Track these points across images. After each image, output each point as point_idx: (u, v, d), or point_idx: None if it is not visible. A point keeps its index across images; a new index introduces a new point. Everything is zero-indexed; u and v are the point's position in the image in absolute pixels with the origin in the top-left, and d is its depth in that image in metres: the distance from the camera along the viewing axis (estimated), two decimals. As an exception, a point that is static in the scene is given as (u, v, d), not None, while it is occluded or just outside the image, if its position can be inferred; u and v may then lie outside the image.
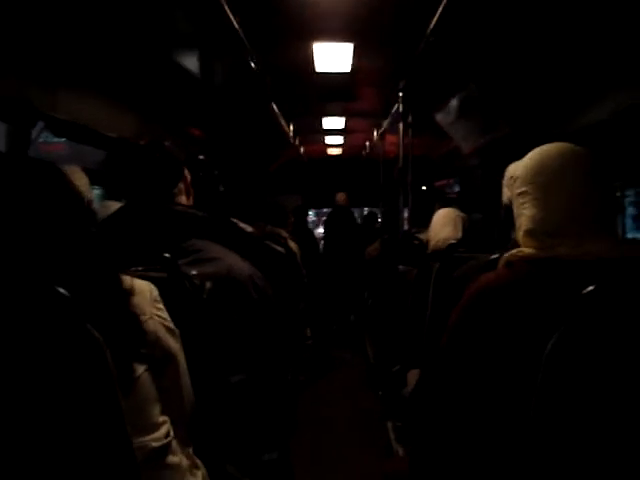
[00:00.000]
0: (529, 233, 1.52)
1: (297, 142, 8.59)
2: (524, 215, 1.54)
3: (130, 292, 1.47)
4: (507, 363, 1.41)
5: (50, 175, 1.45)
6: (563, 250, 1.45)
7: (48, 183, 1.43)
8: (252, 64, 4.02)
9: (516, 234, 1.60)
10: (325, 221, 9.67)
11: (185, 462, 1.61)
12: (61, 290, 1.22)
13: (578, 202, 1.47)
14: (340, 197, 8.91)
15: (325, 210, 11.47)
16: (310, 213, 11.78)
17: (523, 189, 1.55)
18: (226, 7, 3.01)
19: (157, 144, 2.12)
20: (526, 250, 1.51)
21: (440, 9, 2.97)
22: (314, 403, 5.67)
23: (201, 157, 2.59)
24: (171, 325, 1.58)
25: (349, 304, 8.82)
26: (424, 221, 4.73)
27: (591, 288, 1.27)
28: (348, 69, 4.64)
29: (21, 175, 1.43)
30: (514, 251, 1.53)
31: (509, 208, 2.37)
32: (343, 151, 10.35)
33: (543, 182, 1.50)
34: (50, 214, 1.39)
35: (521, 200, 1.56)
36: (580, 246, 1.45)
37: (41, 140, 3.67)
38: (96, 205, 3.38)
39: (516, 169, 2.29)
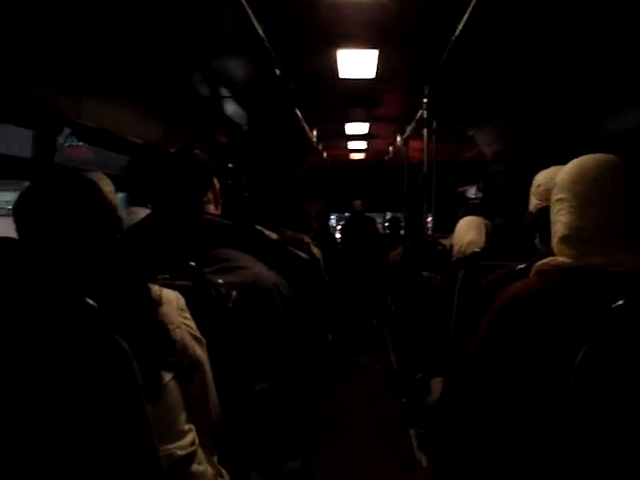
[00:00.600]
0: (564, 240, 1.52)
1: (320, 147, 8.60)
2: (560, 222, 1.54)
3: (158, 301, 1.47)
4: (537, 373, 1.40)
5: (80, 185, 1.47)
6: (596, 259, 1.45)
7: (78, 193, 1.44)
8: (277, 71, 4.03)
9: (551, 240, 1.59)
10: (342, 226, 9.82)
11: (210, 471, 1.61)
12: (89, 301, 1.23)
13: (614, 212, 1.47)
14: (357, 203, 9.18)
15: (346, 214, 11.51)
16: (332, 217, 11.79)
17: (560, 196, 1.55)
18: (251, 15, 3.01)
19: (187, 152, 2.11)
20: (559, 259, 1.51)
21: (466, 16, 2.95)
22: (336, 409, 5.65)
23: (230, 165, 2.60)
24: (197, 334, 1.59)
25: (371, 309, 8.83)
26: (447, 226, 4.72)
27: (622, 301, 1.26)
28: (372, 75, 4.63)
29: (52, 185, 1.45)
30: (546, 260, 1.53)
31: (534, 216, 2.36)
32: (366, 156, 10.35)
33: (581, 190, 1.51)
34: (81, 224, 1.40)
35: (558, 207, 1.56)
36: (614, 256, 1.44)
37: (66, 144, 3.70)
38: (121, 211, 3.41)
39: (544, 178, 2.30)
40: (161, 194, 2.08)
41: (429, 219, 5.00)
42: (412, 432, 4.24)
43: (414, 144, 6.63)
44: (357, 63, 4.31)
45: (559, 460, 1.30)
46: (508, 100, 4.99)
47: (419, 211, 5.42)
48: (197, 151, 2.14)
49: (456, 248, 3.66)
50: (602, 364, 1.26)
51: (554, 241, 1.57)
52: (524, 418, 1.41)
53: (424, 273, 4.22)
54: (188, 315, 1.58)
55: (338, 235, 9.98)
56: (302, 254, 4.31)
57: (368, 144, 8.92)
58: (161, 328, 1.44)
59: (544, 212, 1.96)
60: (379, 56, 4.17)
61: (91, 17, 2.96)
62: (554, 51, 3.62)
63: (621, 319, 1.26)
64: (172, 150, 2.12)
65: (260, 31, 3.27)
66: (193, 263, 1.83)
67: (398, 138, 7.50)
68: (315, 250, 5.25)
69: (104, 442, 1.24)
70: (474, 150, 7.28)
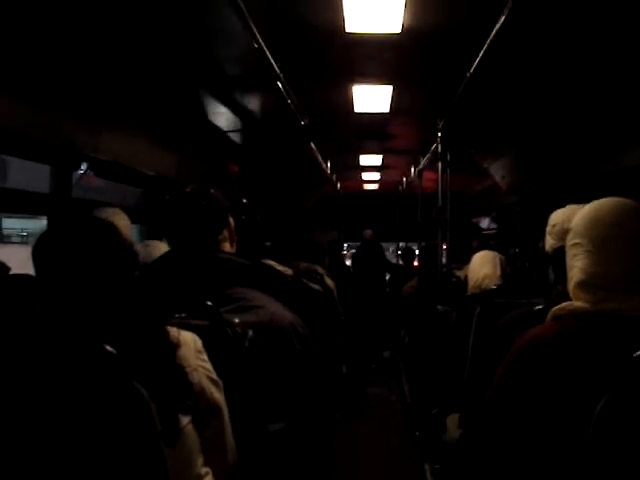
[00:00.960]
0: (580, 285, 1.51)
1: (334, 178, 8.64)
2: (576, 267, 1.53)
3: (176, 344, 1.48)
4: (555, 422, 1.39)
5: (98, 227, 1.48)
6: (614, 305, 1.44)
7: (96, 235, 1.45)
8: (292, 105, 4.06)
9: (566, 285, 1.58)
10: (353, 255, 10.04)
11: (226, 514, 1.60)
12: (108, 348, 1.23)
13: (631, 257, 1.46)
14: (367, 233, 9.46)
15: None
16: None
17: (576, 241, 1.54)
18: (267, 52, 3.05)
19: (203, 191, 2.12)
20: (576, 304, 1.49)
21: (481, 53, 2.97)
22: (350, 441, 5.61)
23: (244, 201, 2.60)
24: (215, 376, 1.58)
25: (382, 340, 8.84)
26: (461, 257, 4.71)
27: (643, 351, 1.25)
28: (387, 110, 4.67)
29: (69, 227, 1.46)
30: (563, 304, 1.52)
31: (550, 256, 2.35)
32: (379, 187, 10.39)
33: (597, 235, 1.49)
34: (99, 266, 1.41)
35: (574, 252, 1.54)
36: (631, 300, 1.43)
37: (80, 172, 3.74)
38: (136, 244, 3.43)
39: (561, 217, 2.29)
40: (177, 233, 2.08)
41: (444, 247, 5.00)
42: (427, 467, 4.20)
43: (428, 175, 6.65)
44: (372, 98, 4.35)
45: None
46: (522, 133, 5.00)
47: (434, 243, 5.41)
48: (212, 190, 2.14)
49: (471, 283, 3.65)
50: (623, 414, 1.24)
51: (570, 285, 1.56)
52: (544, 466, 1.40)
53: (439, 307, 4.22)
54: (205, 357, 1.57)
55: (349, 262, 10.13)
56: (316, 286, 4.30)
57: (381, 175, 8.96)
58: (179, 372, 1.44)
59: (560, 252, 1.95)
60: (393, 91, 4.21)
61: (108, 53, 3.01)
62: (569, 85, 3.64)
63: (642, 369, 1.25)
64: (187, 189, 2.12)
65: (276, 67, 3.31)
66: (210, 302, 1.83)
67: (412, 169, 7.52)
68: (329, 281, 5.23)
69: (122, 488, 1.24)
70: (488, 181, 7.30)
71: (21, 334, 1.32)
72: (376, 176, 9.10)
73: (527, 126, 4.75)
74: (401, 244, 10.71)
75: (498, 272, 3.60)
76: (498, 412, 1.49)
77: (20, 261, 2.51)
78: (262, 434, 1.95)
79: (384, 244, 9.97)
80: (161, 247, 3.03)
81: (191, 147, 4.86)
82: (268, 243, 3.26)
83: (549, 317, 1.54)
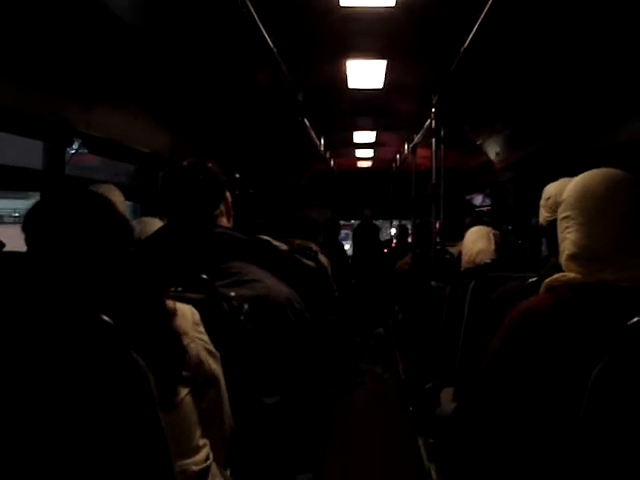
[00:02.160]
0: (572, 257, 1.51)
1: (328, 155, 8.62)
2: (568, 239, 1.53)
3: (173, 315, 1.48)
4: (550, 391, 1.40)
5: (91, 198, 1.47)
6: (606, 276, 1.45)
7: (90, 206, 1.44)
8: (286, 81, 4.04)
9: (559, 257, 1.59)
10: (353, 232, 10.28)
11: (224, 485, 1.61)
12: (105, 318, 1.23)
13: (622, 228, 1.46)
14: (366, 211, 9.82)
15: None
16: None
17: (567, 213, 1.54)
18: (261, 26, 3.03)
19: (200, 165, 2.11)
20: (569, 275, 1.50)
21: (475, 27, 2.96)
22: (344, 417, 5.64)
23: (237, 175, 2.60)
24: (212, 348, 1.59)
25: (377, 317, 8.93)
26: (455, 234, 4.72)
27: (637, 319, 1.26)
28: (381, 85, 4.65)
29: (62, 199, 1.45)
30: (556, 276, 1.52)
31: (544, 228, 2.36)
32: (373, 164, 10.37)
33: (588, 207, 1.50)
34: (93, 238, 1.40)
35: (565, 224, 1.55)
36: (624, 272, 1.44)
37: (72, 152, 3.72)
38: (131, 221, 3.42)
39: (554, 190, 2.30)
40: (173, 207, 2.08)
41: (436, 225, 5.00)
42: (421, 442, 4.23)
43: (422, 152, 6.64)
44: (366, 73, 4.33)
45: (575, 474, 1.30)
46: (517, 109, 4.99)
47: (427, 220, 5.42)
48: (210, 164, 2.14)
49: (465, 258, 3.66)
50: (617, 382, 1.26)
51: (562, 258, 1.56)
52: (538, 435, 1.41)
53: (433, 283, 4.23)
54: (202, 330, 1.58)
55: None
56: (310, 263, 4.31)
57: (375, 152, 8.94)
58: (176, 341, 1.45)
59: (554, 224, 1.96)
60: (387, 66, 4.19)
61: (100, 29, 2.98)
62: (563, 60, 3.63)
63: (636, 337, 1.26)
64: (185, 163, 2.11)
65: (270, 42, 3.29)
66: (205, 276, 1.84)
67: (405, 146, 7.50)
68: (322, 258, 5.24)
69: (121, 459, 1.25)
70: (482, 158, 7.29)
71: (16, 308, 1.32)
72: (370, 153, 9.08)
73: (521, 102, 4.74)
74: (394, 222, 10.74)
75: (492, 247, 3.61)
76: (492, 383, 1.51)
77: (13, 241, 2.51)
78: (258, 407, 1.97)
79: (378, 222, 10.07)
80: (156, 224, 3.02)
81: (184, 124, 4.84)
82: (261, 220, 3.26)
83: (542, 288, 1.55)
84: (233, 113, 5.40)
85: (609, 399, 1.27)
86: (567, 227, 1.54)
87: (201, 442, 1.53)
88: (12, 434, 1.23)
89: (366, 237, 9.65)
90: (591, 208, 1.50)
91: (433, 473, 3.56)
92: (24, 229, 1.42)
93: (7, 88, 2.74)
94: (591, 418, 1.27)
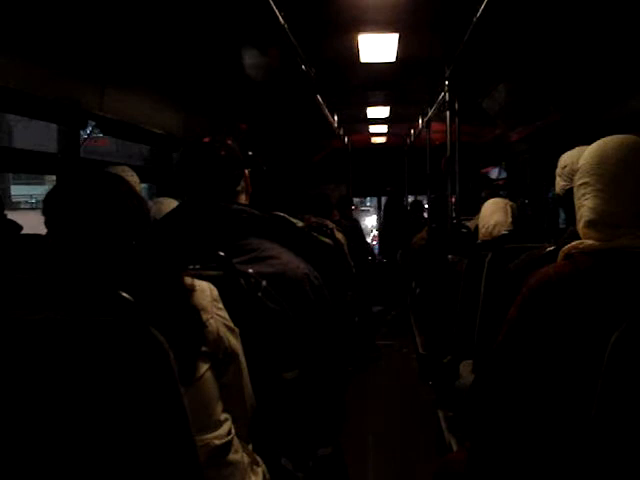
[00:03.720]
0: (590, 224, 1.51)
1: (341, 132, 8.59)
2: (585, 206, 1.52)
3: (191, 291, 1.49)
4: (569, 358, 1.40)
5: (109, 179, 1.48)
6: (625, 241, 1.44)
7: (108, 187, 1.45)
8: (298, 57, 4.02)
9: (576, 225, 1.58)
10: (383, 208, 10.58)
11: (246, 459, 1.63)
12: (124, 294, 1.24)
13: (639, 194, 1.45)
14: (389, 189, 10.08)
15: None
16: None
17: (584, 180, 1.53)
18: (272, 2, 3.01)
19: (221, 142, 2.10)
20: (587, 242, 1.50)
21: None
22: (363, 393, 5.67)
23: (250, 153, 2.58)
24: (231, 324, 1.60)
25: (392, 296, 9.01)
26: (471, 209, 4.70)
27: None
28: (393, 59, 4.61)
29: (80, 181, 1.46)
30: (574, 243, 1.52)
31: (560, 198, 2.35)
32: (387, 140, 10.32)
33: (605, 173, 1.49)
34: (111, 218, 1.42)
35: (582, 191, 1.54)
36: None
37: (85, 136, 3.74)
38: (149, 203, 3.44)
39: (570, 158, 2.28)
40: (194, 184, 2.07)
41: (452, 200, 4.98)
42: (441, 415, 4.24)
43: (436, 126, 6.59)
44: (378, 47, 4.29)
45: (593, 445, 1.30)
46: (531, 79, 4.94)
47: (443, 194, 5.40)
48: (230, 141, 2.12)
49: (482, 230, 3.65)
50: (636, 348, 1.25)
51: (579, 225, 1.56)
52: (557, 405, 1.41)
53: (449, 256, 4.22)
54: (221, 306, 1.59)
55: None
56: (326, 240, 4.31)
57: (389, 127, 8.89)
58: (195, 317, 1.46)
59: (570, 193, 1.95)
60: (400, 39, 4.15)
61: (112, 12, 2.97)
62: (577, 29, 3.58)
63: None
64: (205, 140, 2.09)
65: (280, 18, 3.26)
66: (222, 253, 1.84)
67: (420, 121, 7.46)
68: (339, 235, 5.25)
69: (142, 433, 1.26)
70: (497, 131, 7.23)
71: (36, 289, 1.33)
72: (384, 129, 9.04)
73: (535, 72, 4.69)
74: (410, 198, 10.72)
75: (509, 219, 3.59)
76: (511, 351, 1.51)
77: (30, 227, 2.53)
78: (277, 382, 1.98)
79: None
80: (171, 204, 3.04)
81: (197, 103, 4.84)
82: (276, 197, 3.26)
83: (560, 256, 1.54)
84: (245, 91, 5.39)
85: (628, 365, 1.26)
86: (584, 194, 1.54)
87: (223, 417, 1.54)
88: (35, 410, 1.25)
89: (394, 213, 9.73)
90: (608, 174, 1.49)
91: (453, 446, 3.57)
92: (44, 211, 1.44)
93: (20, 72, 2.75)
94: (610, 385, 1.27)
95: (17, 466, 1.26)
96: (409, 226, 9.13)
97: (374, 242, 13.07)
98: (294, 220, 2.98)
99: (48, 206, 1.44)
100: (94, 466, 1.24)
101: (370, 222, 20.54)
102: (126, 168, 3.11)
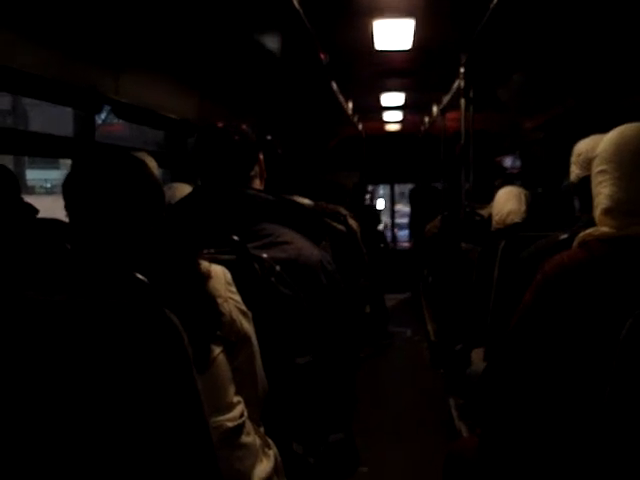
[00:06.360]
0: (607, 212, 1.51)
1: (356, 119, 8.57)
2: (602, 194, 1.52)
3: (207, 275, 1.50)
4: (583, 344, 1.40)
5: (128, 161, 1.49)
6: None
7: (127, 169, 1.46)
8: (312, 43, 4.01)
9: (593, 212, 1.58)
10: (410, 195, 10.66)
11: (258, 442, 1.64)
12: (139, 276, 1.25)
13: None
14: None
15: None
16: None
17: (602, 167, 1.53)
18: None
19: (235, 127, 2.11)
20: (602, 229, 1.50)
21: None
22: (375, 380, 5.69)
23: (268, 137, 2.59)
24: (244, 308, 1.61)
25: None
26: (485, 197, 4.69)
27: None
28: (409, 46, 4.58)
29: (100, 162, 1.47)
30: (590, 230, 1.52)
31: (576, 186, 2.34)
32: (402, 127, 10.27)
33: (623, 161, 1.49)
34: (130, 200, 1.43)
35: (600, 178, 1.54)
36: None
37: (100, 122, 3.76)
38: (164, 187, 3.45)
39: (585, 147, 2.27)
40: (208, 169, 2.08)
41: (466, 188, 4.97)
42: (452, 402, 4.26)
43: (451, 115, 6.56)
44: (393, 33, 4.26)
45: (605, 432, 1.30)
46: (546, 67, 4.90)
47: (457, 182, 5.38)
48: (244, 126, 2.14)
49: (496, 218, 3.65)
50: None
51: (596, 212, 1.56)
52: (569, 391, 1.42)
53: (463, 244, 4.22)
54: (234, 289, 1.60)
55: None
56: (340, 226, 4.32)
57: (404, 115, 8.85)
58: (210, 301, 1.47)
59: (585, 181, 1.94)
60: (416, 25, 4.12)
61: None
62: (593, 15, 3.54)
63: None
64: (220, 125, 2.11)
65: (295, 3, 3.25)
66: (236, 237, 1.85)
67: (434, 108, 7.42)
68: (352, 222, 5.25)
69: (156, 415, 1.28)
70: (512, 119, 7.19)
71: (53, 271, 1.34)
72: (398, 116, 8.99)
73: (551, 59, 4.65)
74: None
75: (523, 207, 3.59)
76: (525, 336, 1.51)
77: (46, 211, 2.56)
78: (290, 366, 1.99)
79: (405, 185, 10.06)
80: (186, 189, 3.05)
81: (212, 89, 4.83)
82: (291, 182, 3.27)
83: (575, 243, 1.54)
84: (260, 77, 5.38)
85: (642, 353, 1.26)
86: (602, 181, 1.53)
87: (235, 399, 1.56)
88: (48, 390, 1.26)
89: (424, 199, 9.62)
90: (627, 161, 1.48)
91: (464, 432, 3.58)
92: (63, 192, 1.45)
93: (36, 56, 2.76)
94: (623, 371, 1.27)
95: (30, 442, 1.27)
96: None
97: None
98: (304, 201, 2.98)
99: (67, 189, 1.45)
100: (106, 445, 1.26)
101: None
102: (144, 153, 3.12)
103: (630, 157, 1.48)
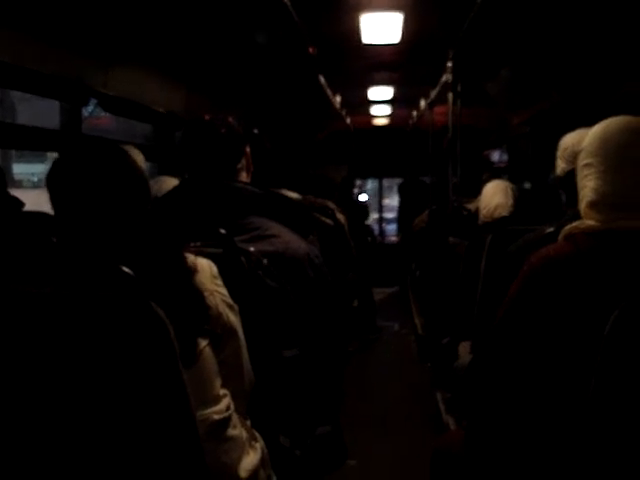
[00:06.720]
0: (592, 205, 1.52)
1: (344, 113, 8.56)
2: (587, 187, 1.53)
3: (193, 269, 1.50)
4: (568, 336, 1.41)
5: (114, 154, 1.48)
6: (626, 223, 1.45)
7: (112, 162, 1.46)
8: (300, 37, 4.00)
9: (578, 205, 1.59)
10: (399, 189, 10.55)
11: (245, 434, 1.64)
12: (125, 269, 1.25)
13: None
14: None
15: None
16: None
17: (587, 161, 1.54)
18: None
19: (222, 120, 2.11)
20: (588, 222, 1.51)
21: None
22: (362, 374, 5.70)
23: (255, 131, 2.59)
24: (230, 301, 1.61)
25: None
26: (472, 191, 4.70)
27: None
28: (397, 39, 4.58)
29: (85, 154, 1.46)
30: (575, 223, 1.53)
31: (562, 180, 2.35)
32: (390, 121, 10.28)
33: (608, 155, 1.50)
34: (116, 192, 1.42)
35: (585, 172, 1.55)
36: None
37: (87, 114, 3.73)
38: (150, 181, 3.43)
39: (571, 140, 2.28)
40: (195, 162, 2.08)
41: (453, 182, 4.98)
42: (439, 395, 4.27)
43: (439, 109, 6.56)
44: (381, 27, 4.25)
45: (590, 423, 1.31)
46: (533, 62, 4.91)
47: (445, 176, 5.39)
48: (230, 118, 2.13)
49: (483, 212, 3.66)
50: (634, 328, 1.26)
51: (582, 206, 1.57)
52: (554, 384, 1.42)
53: (450, 239, 4.23)
54: (221, 283, 1.60)
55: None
56: (327, 220, 4.32)
57: (392, 109, 8.86)
58: (196, 295, 1.47)
59: (571, 175, 1.95)
60: (404, 19, 4.12)
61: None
62: (580, 11, 3.55)
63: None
64: (206, 117, 2.11)
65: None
66: (223, 231, 1.85)
67: (422, 102, 7.43)
68: (340, 216, 5.25)
69: (142, 408, 1.27)
70: (499, 113, 7.21)
71: (37, 264, 1.34)
72: (386, 110, 9.00)
73: (537, 54, 4.66)
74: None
75: (510, 201, 3.60)
76: (511, 327, 1.52)
77: (32, 205, 2.53)
78: (277, 359, 1.99)
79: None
80: (172, 182, 3.04)
81: (199, 82, 4.81)
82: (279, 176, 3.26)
83: (561, 237, 1.55)
84: (248, 70, 5.36)
85: (626, 345, 1.27)
86: (587, 175, 1.54)
87: (221, 392, 1.56)
88: (33, 384, 1.25)
89: (412, 194, 9.57)
90: (612, 155, 1.49)
91: (451, 425, 3.59)
92: (47, 185, 1.44)
93: (23, 48, 2.74)
94: (608, 363, 1.27)
95: (18, 440, 1.27)
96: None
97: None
98: (292, 195, 2.98)
99: (51, 181, 1.44)
100: (92, 437, 1.25)
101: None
102: (131, 147, 3.10)
103: (615, 150, 1.49)
